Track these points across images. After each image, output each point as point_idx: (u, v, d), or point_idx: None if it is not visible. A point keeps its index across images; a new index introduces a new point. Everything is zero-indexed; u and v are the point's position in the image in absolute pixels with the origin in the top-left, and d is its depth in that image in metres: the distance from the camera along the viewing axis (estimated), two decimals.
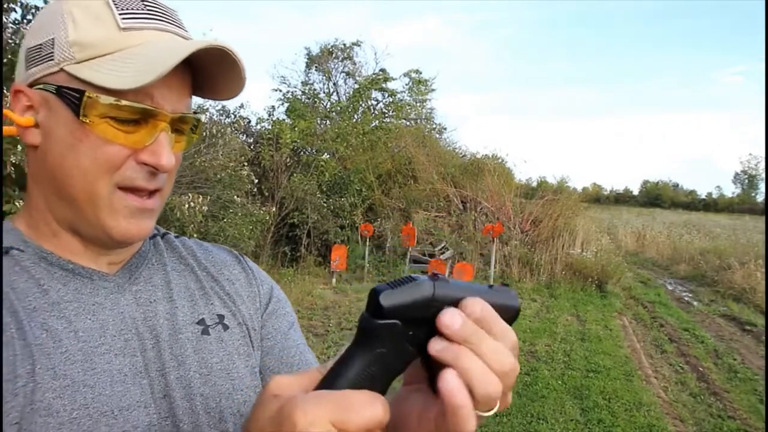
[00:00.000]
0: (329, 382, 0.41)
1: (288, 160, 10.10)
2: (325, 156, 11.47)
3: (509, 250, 9.93)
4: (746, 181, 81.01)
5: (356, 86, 15.16)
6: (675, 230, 17.92)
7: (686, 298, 9.87)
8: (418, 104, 16.08)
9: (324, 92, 15.83)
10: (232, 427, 0.64)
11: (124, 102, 0.57)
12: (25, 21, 4.40)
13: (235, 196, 7.54)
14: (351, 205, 10.90)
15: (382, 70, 15.39)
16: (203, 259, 0.76)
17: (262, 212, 8.21)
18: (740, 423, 4.33)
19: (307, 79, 15.87)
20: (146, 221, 0.63)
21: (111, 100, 0.57)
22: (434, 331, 0.41)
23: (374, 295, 0.41)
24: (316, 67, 15.78)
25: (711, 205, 66.27)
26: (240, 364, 0.68)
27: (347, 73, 15.84)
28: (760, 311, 8.48)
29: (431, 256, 9.84)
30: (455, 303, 0.42)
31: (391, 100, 15.37)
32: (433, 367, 0.42)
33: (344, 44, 15.64)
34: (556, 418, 4.14)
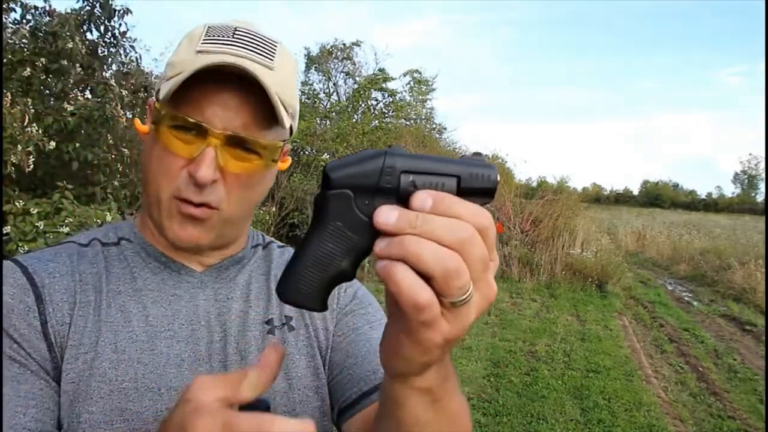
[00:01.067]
0: (289, 266, 0.40)
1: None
2: (325, 156, 11.46)
3: (509, 250, 9.92)
4: (746, 181, 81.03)
5: (356, 86, 15.16)
6: (675, 230, 17.91)
7: (686, 298, 9.87)
8: (417, 104, 16.08)
9: (324, 92, 15.84)
10: None
11: (176, 113, 0.63)
12: (24, 21, 4.40)
13: None
14: None
15: (381, 70, 15.38)
16: None
17: (262, 212, 8.20)
18: (740, 423, 4.33)
19: (306, 79, 15.87)
20: (196, 229, 0.67)
21: (170, 111, 0.63)
22: (398, 199, 0.39)
23: (323, 168, 0.40)
24: (315, 67, 15.79)
25: (711, 205, 66.28)
26: (301, 364, 0.72)
27: (347, 74, 15.84)
28: (760, 311, 8.48)
29: None
30: (416, 172, 0.39)
31: (391, 100, 15.37)
32: None
33: (344, 44, 15.65)
34: (556, 418, 4.14)
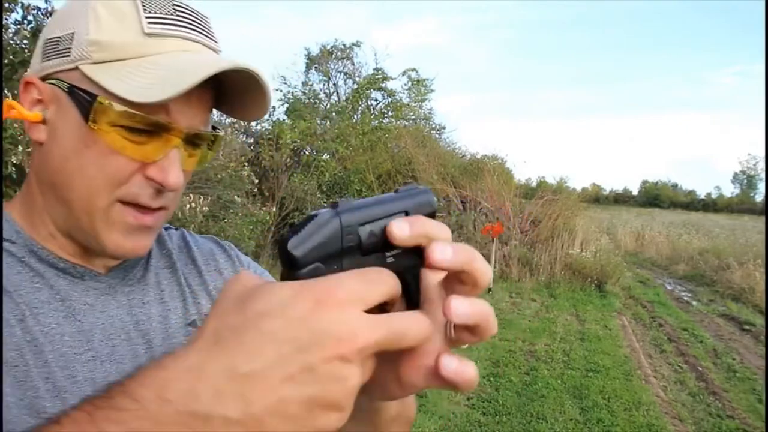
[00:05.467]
0: None
1: (288, 160, 10.11)
2: (325, 156, 11.48)
3: (509, 250, 9.94)
4: (745, 181, 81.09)
5: (355, 86, 15.18)
6: (674, 230, 17.93)
7: (685, 298, 9.89)
8: (415, 105, 16.08)
9: (324, 93, 15.86)
10: None
11: (136, 113, 0.54)
12: (25, 22, 4.41)
13: (236, 197, 7.54)
14: None
15: (377, 69, 15.38)
16: (189, 253, 0.73)
17: (262, 212, 8.21)
18: (739, 422, 4.35)
19: (307, 79, 15.89)
20: (143, 238, 0.60)
21: (123, 108, 0.53)
22: (363, 253, 0.39)
23: (282, 247, 0.37)
24: (315, 67, 15.81)
25: (710, 205, 66.31)
26: None
27: (346, 74, 15.85)
28: (759, 311, 8.50)
29: None
30: (371, 221, 0.39)
31: (390, 100, 15.38)
32: (408, 282, 0.41)
33: (344, 45, 15.67)
34: (556, 417, 4.15)
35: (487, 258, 9.43)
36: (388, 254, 0.41)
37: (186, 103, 0.56)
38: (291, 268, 0.37)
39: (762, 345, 6.65)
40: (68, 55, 0.55)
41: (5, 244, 0.59)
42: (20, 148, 3.70)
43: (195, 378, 0.31)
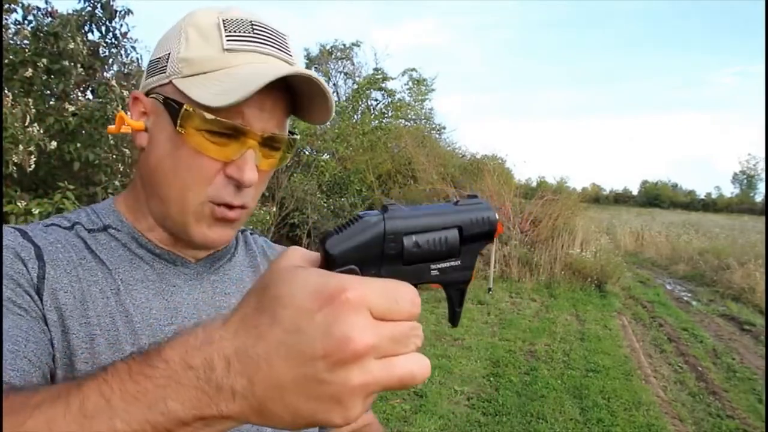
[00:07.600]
0: None
1: (288, 160, 10.10)
2: (325, 156, 11.48)
3: (509, 250, 9.94)
4: (745, 181, 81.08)
5: (355, 86, 15.17)
6: (674, 230, 17.92)
7: (685, 298, 9.89)
8: (416, 104, 16.08)
9: None
10: None
11: (214, 117, 0.62)
12: (26, 22, 4.41)
13: None
14: (351, 205, 10.91)
15: (377, 69, 15.38)
16: (269, 259, 0.82)
17: (262, 212, 8.21)
18: (739, 422, 4.35)
19: None
20: (227, 230, 0.68)
21: (204, 114, 0.62)
22: (404, 262, 0.38)
23: (322, 244, 0.37)
24: (315, 67, 15.80)
25: (710, 205, 66.31)
26: None
27: (346, 74, 15.85)
28: (759, 311, 8.50)
29: None
30: (417, 231, 0.38)
31: (390, 100, 15.37)
32: (452, 297, 0.41)
33: (344, 45, 15.67)
34: (556, 417, 4.15)
35: (487, 258, 9.44)
36: (433, 266, 0.39)
37: (260, 108, 0.64)
38: (327, 267, 0.37)
39: (762, 345, 6.65)
40: (164, 72, 0.66)
41: (111, 231, 0.70)
42: (20, 147, 3.69)
43: (214, 351, 0.35)
